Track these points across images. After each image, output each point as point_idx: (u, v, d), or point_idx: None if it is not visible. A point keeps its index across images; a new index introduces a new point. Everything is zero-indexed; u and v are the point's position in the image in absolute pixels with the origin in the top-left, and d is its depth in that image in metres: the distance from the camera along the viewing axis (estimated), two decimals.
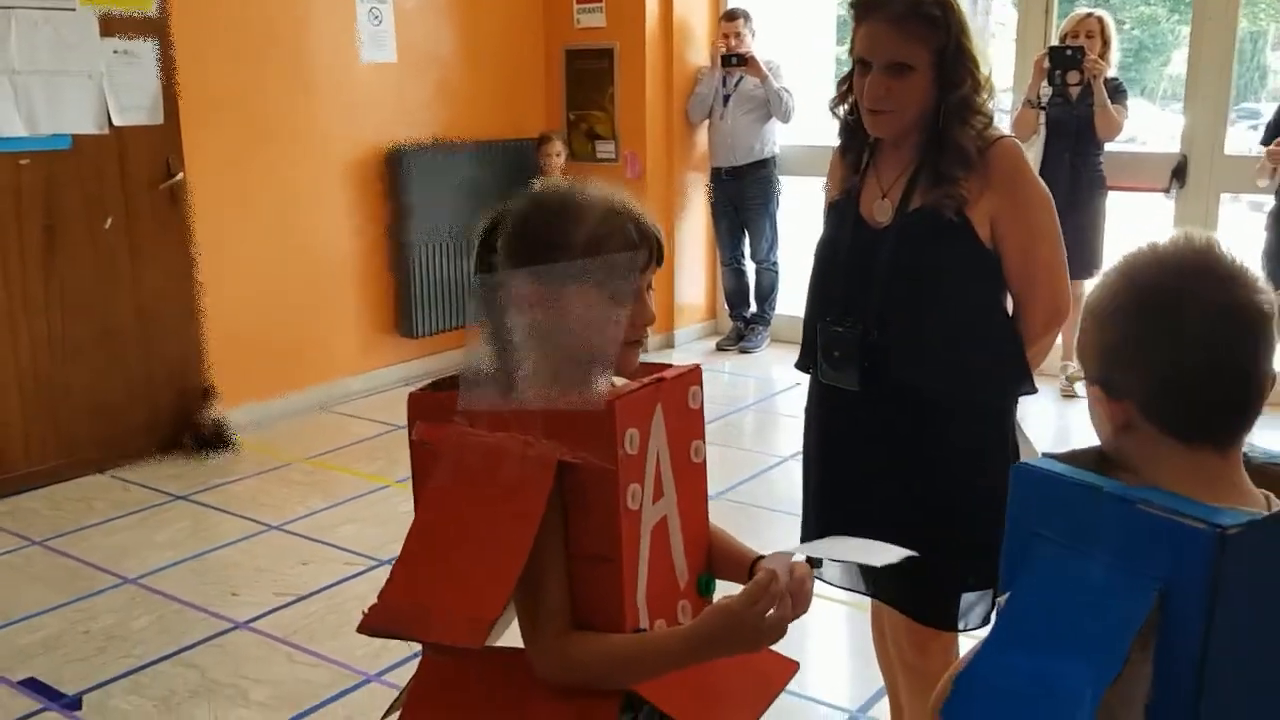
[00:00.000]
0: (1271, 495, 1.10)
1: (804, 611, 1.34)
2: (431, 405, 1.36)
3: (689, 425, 1.43)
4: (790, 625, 1.31)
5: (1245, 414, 1.07)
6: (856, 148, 2.10)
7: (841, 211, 2.12)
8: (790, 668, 1.50)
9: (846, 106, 2.09)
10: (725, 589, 1.39)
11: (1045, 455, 1.11)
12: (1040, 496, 1.08)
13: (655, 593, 1.36)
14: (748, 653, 1.31)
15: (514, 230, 1.37)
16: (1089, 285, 3.27)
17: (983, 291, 2.03)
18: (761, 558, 1.45)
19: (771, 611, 1.27)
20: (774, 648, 1.49)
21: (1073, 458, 1.13)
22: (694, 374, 1.44)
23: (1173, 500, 0.99)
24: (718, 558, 1.48)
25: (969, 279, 2.01)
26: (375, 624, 1.30)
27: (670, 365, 1.44)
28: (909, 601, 2.14)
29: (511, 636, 1.42)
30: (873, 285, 2.03)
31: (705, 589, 1.45)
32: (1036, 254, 2.00)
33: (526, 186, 1.42)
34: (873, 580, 2.21)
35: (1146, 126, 8.35)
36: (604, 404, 1.28)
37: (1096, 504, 1.02)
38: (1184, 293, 1.05)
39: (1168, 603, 0.96)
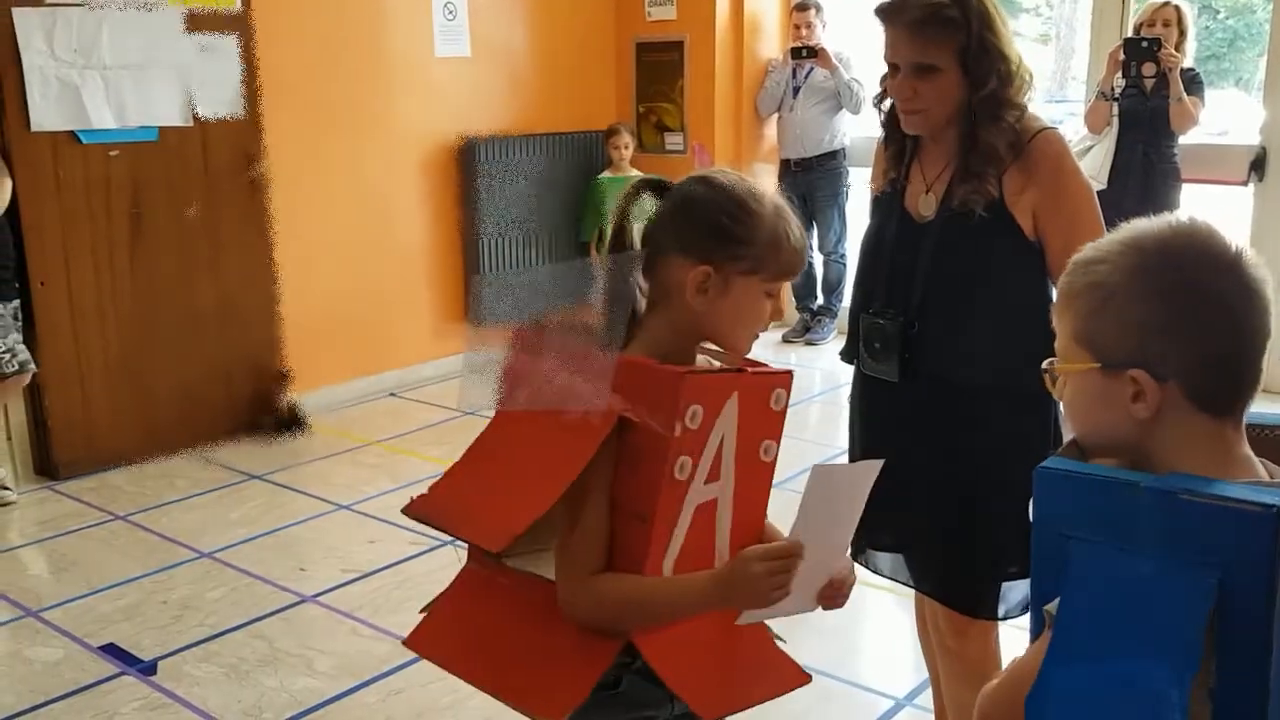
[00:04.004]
0: (1266, 461, 1.11)
1: (841, 604, 1.42)
2: (529, 339, 1.45)
3: (765, 424, 1.46)
4: (841, 612, 1.42)
5: (1256, 386, 1.11)
6: (898, 140, 2.14)
7: (887, 205, 2.15)
8: (803, 679, 1.55)
9: (887, 104, 2.13)
10: None
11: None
12: (1068, 498, 1.05)
13: (686, 565, 1.41)
14: (752, 606, 1.35)
15: (690, 212, 1.44)
16: None
17: (1026, 283, 2.03)
18: None
19: (779, 575, 1.32)
20: (796, 658, 1.55)
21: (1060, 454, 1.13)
22: (782, 378, 1.47)
23: (1208, 485, 0.98)
24: None
25: (1012, 271, 2.02)
26: (418, 510, 1.44)
27: (766, 365, 1.49)
28: (948, 590, 2.15)
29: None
30: (915, 278, 2.05)
31: None
32: (1079, 244, 1.99)
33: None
34: (914, 570, 2.23)
35: (1237, 118, 8.12)
36: (676, 375, 1.35)
37: (1135, 499, 1.00)
38: (1220, 270, 1.07)
39: (1227, 589, 0.95)
